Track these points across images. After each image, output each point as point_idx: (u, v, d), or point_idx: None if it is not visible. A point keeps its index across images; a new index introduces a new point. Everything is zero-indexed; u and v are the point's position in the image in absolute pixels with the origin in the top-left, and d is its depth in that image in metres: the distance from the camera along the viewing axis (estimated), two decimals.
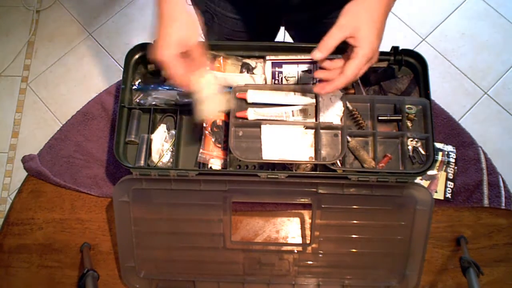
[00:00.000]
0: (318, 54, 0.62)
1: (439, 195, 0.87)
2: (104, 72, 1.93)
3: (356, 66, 0.62)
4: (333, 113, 0.78)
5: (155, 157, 0.82)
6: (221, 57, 0.84)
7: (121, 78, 0.84)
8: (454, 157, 0.90)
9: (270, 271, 0.82)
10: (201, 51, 0.67)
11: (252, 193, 0.81)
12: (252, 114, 0.79)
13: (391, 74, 0.85)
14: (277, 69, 0.80)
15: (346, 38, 0.62)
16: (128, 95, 0.84)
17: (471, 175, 0.89)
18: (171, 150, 0.82)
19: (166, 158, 0.82)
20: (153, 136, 0.82)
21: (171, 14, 0.65)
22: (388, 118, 0.82)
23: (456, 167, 0.89)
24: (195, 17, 0.68)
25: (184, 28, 0.65)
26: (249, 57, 0.86)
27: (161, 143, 0.82)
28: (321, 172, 0.78)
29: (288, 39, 1.10)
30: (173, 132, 0.83)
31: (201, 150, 0.82)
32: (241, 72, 0.84)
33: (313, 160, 0.77)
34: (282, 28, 1.07)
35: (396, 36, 1.92)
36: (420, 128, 0.82)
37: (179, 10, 0.65)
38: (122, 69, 0.84)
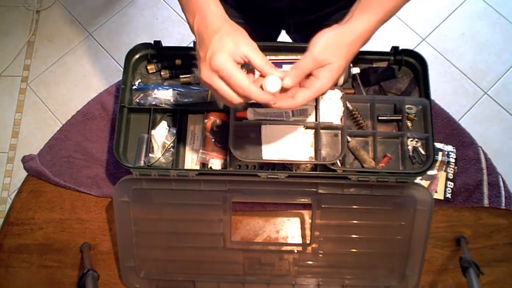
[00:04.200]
0: (288, 80, 0.58)
1: (439, 195, 0.87)
2: (104, 72, 1.93)
3: (308, 96, 0.59)
4: (333, 113, 0.78)
5: (158, 151, 0.82)
6: None
7: (121, 78, 0.84)
8: (454, 157, 0.90)
9: (270, 271, 0.82)
10: (261, 56, 0.58)
11: (252, 193, 0.81)
12: (252, 114, 0.79)
13: (391, 74, 0.85)
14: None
15: (316, 69, 0.59)
16: (128, 95, 0.84)
17: (471, 175, 0.89)
18: (172, 148, 0.82)
19: (168, 154, 0.82)
20: (154, 132, 0.82)
21: (212, 20, 0.59)
22: (388, 118, 0.82)
23: (456, 167, 0.89)
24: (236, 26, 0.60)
25: (233, 34, 0.58)
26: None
27: (163, 139, 0.82)
28: (321, 172, 0.78)
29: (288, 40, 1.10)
30: (174, 131, 0.83)
31: (201, 150, 0.82)
32: None
33: (313, 160, 0.77)
34: (282, 32, 1.07)
35: (396, 36, 1.92)
36: (420, 128, 0.82)
37: (220, 19, 0.59)
38: (122, 69, 0.84)
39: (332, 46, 0.59)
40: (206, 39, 0.57)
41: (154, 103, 0.84)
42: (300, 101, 0.59)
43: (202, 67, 0.57)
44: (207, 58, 0.56)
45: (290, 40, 1.08)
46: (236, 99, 0.57)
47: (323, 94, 0.63)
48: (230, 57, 0.56)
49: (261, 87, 0.58)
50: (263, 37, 1.00)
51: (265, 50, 0.84)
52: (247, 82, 0.56)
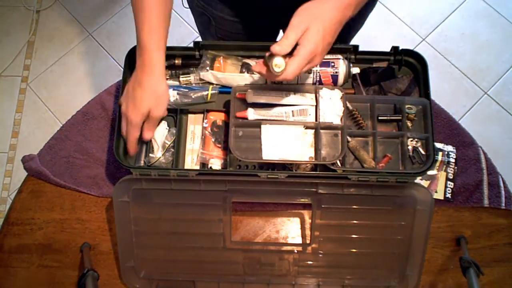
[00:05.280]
0: (277, 48, 0.64)
1: (439, 195, 0.87)
2: (104, 72, 1.93)
3: (296, 64, 0.64)
4: (333, 113, 0.78)
5: (158, 151, 0.82)
6: (221, 57, 0.84)
7: (121, 78, 0.84)
8: (454, 157, 0.90)
9: (270, 271, 0.82)
10: (154, 128, 0.79)
11: (252, 193, 0.81)
12: (252, 114, 0.79)
13: (391, 74, 0.85)
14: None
15: (299, 38, 0.64)
16: None
17: (471, 175, 0.89)
18: (172, 148, 0.82)
19: (168, 154, 0.82)
20: (154, 132, 0.82)
21: (150, 82, 0.74)
22: (388, 118, 0.82)
23: (456, 167, 0.89)
24: (167, 93, 0.77)
25: (155, 101, 0.75)
26: (249, 57, 0.86)
27: (163, 139, 0.82)
28: (321, 172, 0.78)
29: None
30: (174, 131, 0.83)
31: (201, 150, 0.82)
32: (241, 72, 0.84)
33: (313, 160, 0.77)
34: (281, 32, 1.07)
35: (396, 36, 1.92)
36: (420, 128, 0.82)
37: (157, 81, 0.74)
38: (122, 69, 0.84)
39: (307, 12, 0.64)
40: (139, 86, 0.75)
41: None
42: (291, 69, 0.64)
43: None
44: (130, 105, 0.76)
45: None
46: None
47: (314, 63, 0.66)
48: (142, 118, 0.76)
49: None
50: (261, 36, 1.01)
51: (265, 50, 0.84)
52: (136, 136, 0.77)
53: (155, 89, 0.74)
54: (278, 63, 0.65)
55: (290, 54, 0.65)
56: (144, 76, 0.74)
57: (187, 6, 1.01)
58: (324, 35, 0.64)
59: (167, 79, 0.87)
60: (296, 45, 0.64)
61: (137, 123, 0.75)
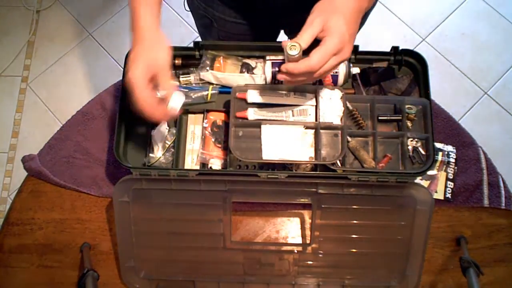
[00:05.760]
0: (301, 41, 0.61)
1: (439, 195, 0.87)
2: (104, 72, 1.93)
3: (322, 52, 0.60)
4: (333, 113, 0.78)
5: (158, 151, 0.82)
6: (221, 57, 0.84)
7: (121, 78, 0.84)
8: (454, 157, 0.90)
9: (270, 271, 0.82)
10: (169, 76, 0.67)
11: (252, 193, 0.81)
12: (252, 114, 0.79)
13: (391, 74, 0.85)
14: (277, 69, 0.80)
15: (318, 34, 0.61)
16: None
17: (471, 175, 0.89)
18: (172, 148, 0.82)
19: (168, 154, 0.82)
20: (154, 132, 0.82)
21: (141, 36, 0.66)
22: (388, 118, 0.82)
23: (456, 167, 0.89)
24: (166, 40, 0.68)
25: (153, 48, 0.66)
26: (249, 57, 0.86)
27: (163, 139, 0.83)
28: (321, 172, 0.78)
29: None
30: (174, 131, 0.83)
31: (201, 150, 0.82)
32: (241, 72, 0.84)
33: (313, 160, 0.77)
34: (282, 32, 1.07)
35: (396, 36, 1.92)
36: (420, 128, 0.82)
37: (149, 32, 0.67)
38: (122, 69, 0.84)
39: (322, 8, 0.62)
40: (132, 47, 0.67)
41: None
42: (316, 57, 0.59)
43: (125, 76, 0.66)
44: (127, 66, 0.66)
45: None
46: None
47: (343, 54, 0.62)
48: (141, 74, 0.64)
49: None
50: (262, 36, 1.01)
51: (265, 50, 0.85)
52: (143, 94, 0.64)
53: (149, 42, 0.66)
54: (293, 45, 0.60)
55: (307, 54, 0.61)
56: (136, 44, 0.67)
57: (188, 9, 1.01)
58: (347, 24, 0.61)
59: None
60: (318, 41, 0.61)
61: (138, 81, 0.64)
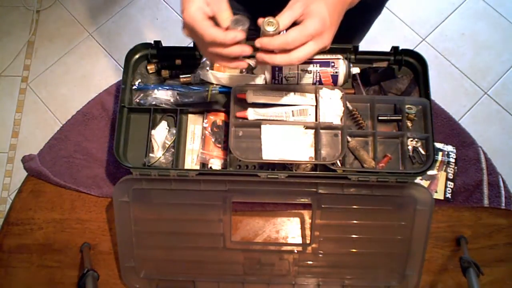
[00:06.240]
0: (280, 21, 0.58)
1: (439, 195, 0.87)
2: (104, 72, 1.93)
3: (300, 30, 0.57)
4: (333, 113, 0.78)
5: (158, 151, 0.82)
6: None
7: (121, 78, 0.84)
8: (454, 157, 0.90)
9: (270, 271, 0.82)
10: (227, 8, 0.60)
11: (252, 193, 0.81)
12: (252, 114, 0.79)
13: (391, 74, 0.85)
14: (277, 69, 0.80)
15: (298, 18, 0.58)
16: (128, 95, 0.84)
17: (471, 175, 0.89)
18: (172, 148, 0.82)
19: (168, 154, 0.82)
20: (154, 132, 0.82)
21: None
22: (388, 118, 0.82)
23: (456, 167, 0.89)
24: None
25: None
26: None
27: (163, 139, 0.83)
28: (321, 172, 0.78)
29: None
30: (174, 131, 0.83)
31: (201, 150, 0.82)
32: (241, 72, 0.84)
33: (313, 160, 0.77)
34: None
35: (396, 36, 1.92)
36: (420, 128, 0.82)
37: None
38: (122, 69, 0.84)
39: None
40: None
41: (154, 103, 0.84)
42: (293, 34, 0.57)
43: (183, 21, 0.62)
44: (183, 7, 0.60)
45: None
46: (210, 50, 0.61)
47: (323, 40, 0.60)
48: (198, 10, 0.59)
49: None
50: None
51: None
52: (208, 27, 0.58)
53: None
54: (270, 21, 0.57)
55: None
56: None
57: None
58: (329, 11, 0.59)
59: (167, 79, 0.87)
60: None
61: (197, 16, 0.59)
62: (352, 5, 0.65)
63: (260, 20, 0.59)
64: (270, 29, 0.58)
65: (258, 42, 0.59)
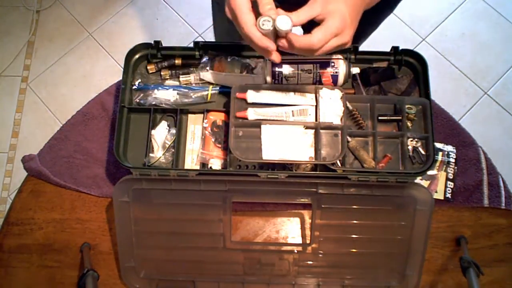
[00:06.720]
0: (295, 18, 0.59)
1: (439, 195, 0.87)
2: (104, 72, 1.93)
3: (324, 31, 0.58)
4: (333, 113, 0.78)
5: (158, 151, 0.82)
6: (221, 57, 0.84)
7: (121, 78, 0.84)
8: (454, 157, 0.90)
9: (270, 271, 0.82)
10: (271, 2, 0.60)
11: (252, 193, 0.81)
12: (252, 114, 0.79)
13: (391, 74, 0.85)
14: (277, 69, 0.80)
15: (316, 16, 0.59)
16: (128, 95, 0.84)
17: (471, 175, 0.89)
18: (172, 148, 0.82)
19: (168, 154, 0.82)
20: (154, 132, 0.82)
21: None
22: (388, 118, 0.82)
23: (456, 167, 0.89)
24: None
25: None
26: (249, 57, 0.86)
27: (163, 139, 0.83)
28: (321, 172, 0.78)
29: None
30: (173, 131, 0.83)
31: (201, 150, 0.82)
32: (241, 72, 0.84)
33: (313, 160, 0.77)
34: None
35: (396, 36, 1.92)
36: (420, 128, 0.82)
37: None
38: (122, 69, 0.84)
39: None
40: None
41: (154, 103, 0.84)
42: (317, 35, 0.58)
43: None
44: None
45: None
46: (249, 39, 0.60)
47: (344, 38, 0.60)
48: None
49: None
50: None
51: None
52: (250, 23, 0.59)
53: None
54: (265, 19, 0.57)
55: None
56: None
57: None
58: (348, 9, 0.60)
59: (167, 79, 0.87)
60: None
61: (241, 4, 0.59)
62: (370, 6, 0.66)
63: (274, 25, 0.59)
64: (284, 28, 0.58)
65: (288, 38, 0.60)
